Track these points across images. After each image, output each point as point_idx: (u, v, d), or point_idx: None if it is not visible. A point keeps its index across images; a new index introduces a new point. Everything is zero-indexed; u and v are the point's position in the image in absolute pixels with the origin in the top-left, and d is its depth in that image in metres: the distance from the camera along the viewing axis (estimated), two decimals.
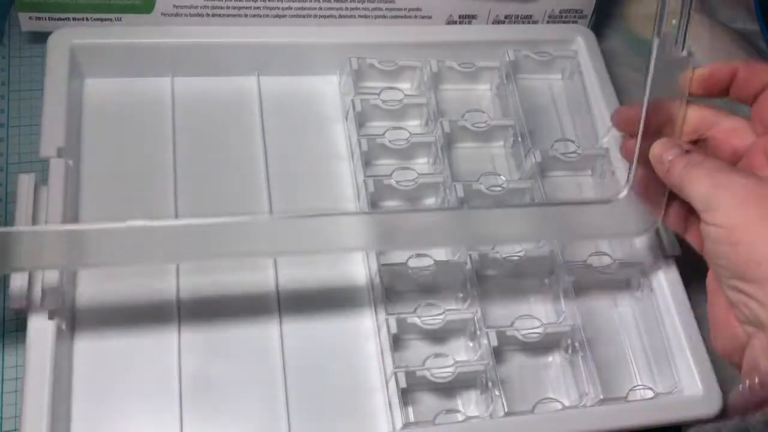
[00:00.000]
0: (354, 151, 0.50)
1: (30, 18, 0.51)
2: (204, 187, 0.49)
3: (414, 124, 0.53)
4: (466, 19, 0.56)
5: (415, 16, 0.55)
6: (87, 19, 0.51)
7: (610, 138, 0.52)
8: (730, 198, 0.36)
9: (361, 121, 0.51)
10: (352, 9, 0.54)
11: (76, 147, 0.48)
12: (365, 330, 0.46)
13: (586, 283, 0.49)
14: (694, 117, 0.42)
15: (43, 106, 0.46)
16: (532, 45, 0.55)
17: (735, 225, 0.35)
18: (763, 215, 0.34)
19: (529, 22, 0.57)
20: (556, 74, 0.57)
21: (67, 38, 0.49)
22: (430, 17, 0.56)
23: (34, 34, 0.52)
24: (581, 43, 0.55)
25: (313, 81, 0.54)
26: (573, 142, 0.52)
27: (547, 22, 0.57)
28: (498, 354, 0.45)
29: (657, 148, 0.40)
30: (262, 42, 0.52)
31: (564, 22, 0.57)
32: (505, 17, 0.56)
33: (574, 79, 0.55)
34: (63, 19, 0.51)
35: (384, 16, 0.55)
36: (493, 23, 0.56)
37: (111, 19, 0.51)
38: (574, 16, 0.57)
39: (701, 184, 0.37)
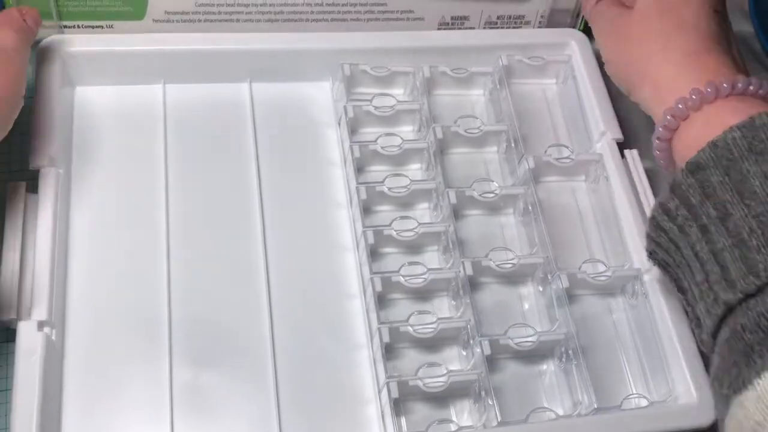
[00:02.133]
0: (346, 158, 0.50)
1: None
2: (196, 195, 0.49)
3: (407, 130, 0.53)
4: (459, 20, 0.56)
5: (407, 18, 0.55)
6: (78, 26, 0.51)
7: (604, 143, 0.52)
8: (597, 29, 0.49)
9: (353, 127, 0.51)
10: (344, 12, 0.54)
11: (67, 156, 0.48)
12: (358, 339, 0.46)
13: (580, 290, 0.49)
14: None
15: (34, 114, 0.46)
16: (526, 50, 0.55)
17: (604, 49, 0.48)
18: (618, 40, 0.46)
19: (521, 23, 0.57)
20: (550, 79, 0.56)
21: (58, 46, 0.49)
22: (422, 19, 0.55)
23: None
24: (575, 47, 0.55)
25: (305, 87, 0.53)
26: (567, 147, 0.52)
27: (539, 23, 0.57)
28: (491, 362, 0.44)
29: None
30: (255, 49, 0.52)
31: (556, 23, 0.57)
32: (498, 18, 0.56)
33: (567, 83, 0.55)
34: (54, 27, 0.51)
35: (376, 19, 0.54)
36: (485, 24, 0.56)
37: (102, 26, 0.51)
38: (566, 17, 0.57)
39: (592, 20, 0.50)
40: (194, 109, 0.51)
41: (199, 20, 0.52)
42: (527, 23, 0.57)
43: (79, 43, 0.49)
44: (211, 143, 0.51)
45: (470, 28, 0.56)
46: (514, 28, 0.57)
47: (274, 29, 0.53)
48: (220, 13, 0.52)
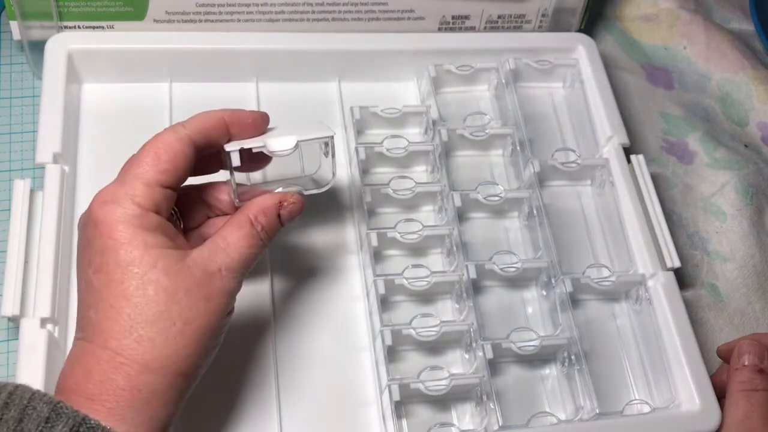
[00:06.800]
0: (352, 159, 0.52)
1: (21, 26, 0.52)
2: None
3: (413, 132, 0.55)
4: (460, 19, 0.58)
5: (409, 18, 0.57)
6: (79, 27, 0.53)
7: (610, 148, 0.54)
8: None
9: (359, 128, 0.53)
10: (345, 12, 0.56)
11: (72, 153, 0.50)
12: (360, 341, 0.48)
13: (583, 294, 0.51)
14: None
15: (40, 111, 0.48)
16: (534, 53, 0.57)
17: None
18: None
19: (522, 22, 0.58)
20: (556, 83, 0.59)
21: (65, 43, 0.50)
22: (423, 18, 0.57)
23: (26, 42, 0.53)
24: (582, 51, 0.57)
25: (312, 87, 0.55)
26: (573, 151, 0.54)
27: (541, 22, 0.59)
28: (493, 366, 0.47)
29: (744, 345, 0.47)
30: (261, 48, 0.54)
31: (560, 22, 0.59)
32: (498, 17, 0.58)
33: (575, 87, 0.57)
34: (54, 27, 0.52)
35: (377, 18, 0.56)
36: (486, 23, 0.58)
37: (103, 27, 0.53)
38: (570, 16, 0.59)
39: (733, 404, 0.45)
40: (201, 108, 0.51)
41: (200, 20, 0.54)
42: (528, 22, 0.59)
43: (86, 41, 0.51)
44: None
45: (471, 27, 0.58)
46: (515, 27, 0.59)
47: (275, 29, 0.55)
48: (220, 13, 0.54)
